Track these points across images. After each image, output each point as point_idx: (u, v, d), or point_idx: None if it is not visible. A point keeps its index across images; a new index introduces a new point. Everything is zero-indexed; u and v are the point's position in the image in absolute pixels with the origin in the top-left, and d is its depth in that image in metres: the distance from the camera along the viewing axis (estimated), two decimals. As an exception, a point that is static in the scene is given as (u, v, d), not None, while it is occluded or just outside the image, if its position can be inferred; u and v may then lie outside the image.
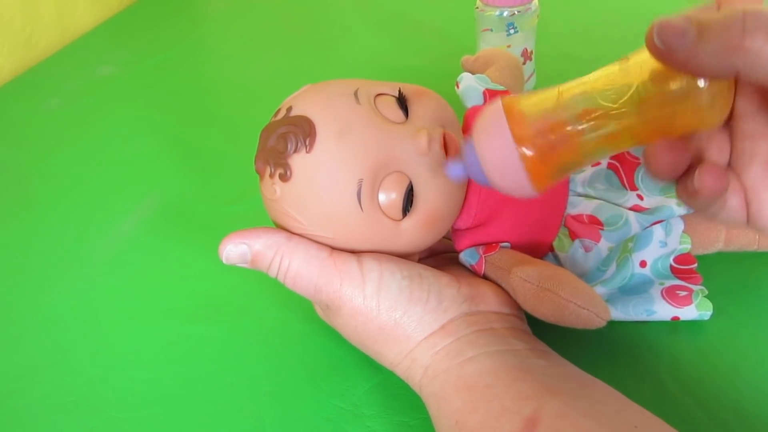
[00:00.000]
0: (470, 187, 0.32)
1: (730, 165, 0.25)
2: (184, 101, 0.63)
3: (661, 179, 0.24)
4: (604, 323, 0.28)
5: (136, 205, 0.48)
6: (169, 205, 0.48)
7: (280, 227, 0.31)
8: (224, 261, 0.30)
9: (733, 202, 0.24)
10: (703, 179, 0.23)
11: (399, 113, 0.30)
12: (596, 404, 0.25)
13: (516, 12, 0.48)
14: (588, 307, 0.28)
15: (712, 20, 0.20)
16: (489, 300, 0.30)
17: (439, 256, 0.35)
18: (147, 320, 0.39)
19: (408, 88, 0.32)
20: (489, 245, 0.32)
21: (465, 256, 0.33)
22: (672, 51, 0.21)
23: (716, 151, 0.25)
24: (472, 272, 0.33)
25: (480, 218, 0.32)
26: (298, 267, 0.29)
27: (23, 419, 0.33)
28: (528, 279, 0.29)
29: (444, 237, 0.33)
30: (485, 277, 0.32)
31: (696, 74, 0.22)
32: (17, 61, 0.72)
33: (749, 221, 0.25)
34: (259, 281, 0.39)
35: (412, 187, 0.29)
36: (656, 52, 0.21)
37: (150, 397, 0.34)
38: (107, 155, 0.55)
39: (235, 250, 0.29)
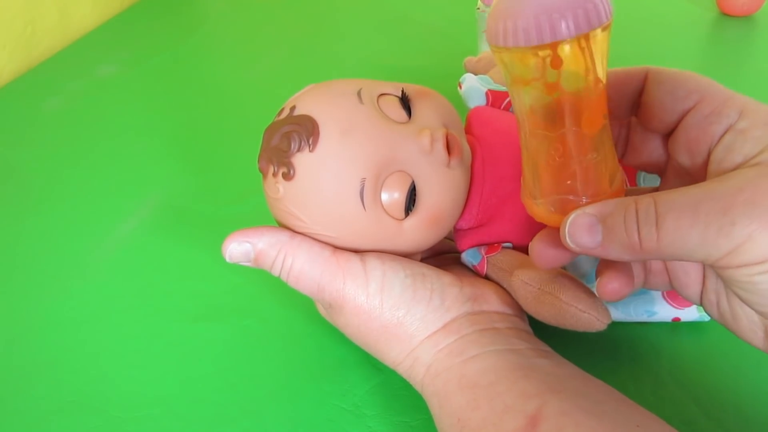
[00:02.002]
0: (473, 187, 0.32)
1: None
2: (186, 101, 0.63)
3: (543, 268, 0.27)
4: (604, 326, 0.28)
5: (138, 204, 0.48)
6: (171, 204, 0.48)
7: (284, 226, 0.31)
8: (227, 259, 0.30)
9: (659, 280, 0.28)
10: (602, 288, 0.26)
11: (402, 113, 0.31)
12: (599, 403, 0.25)
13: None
14: (588, 310, 0.28)
15: (615, 224, 0.23)
16: (491, 300, 0.31)
17: (441, 256, 0.35)
18: (148, 320, 0.39)
19: (411, 88, 0.32)
20: (491, 246, 0.32)
21: (467, 257, 0.33)
22: (586, 250, 0.24)
23: None
24: (474, 272, 0.33)
25: (482, 218, 0.32)
26: (301, 265, 0.29)
27: (23, 419, 0.33)
28: (529, 282, 0.29)
29: (446, 237, 0.34)
30: (487, 278, 0.32)
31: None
32: (19, 61, 0.72)
33: (676, 290, 0.28)
34: (261, 281, 0.39)
35: (414, 186, 0.30)
36: (571, 250, 0.24)
37: (151, 397, 0.34)
38: (108, 155, 0.55)
39: (238, 248, 0.29)
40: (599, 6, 0.22)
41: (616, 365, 0.32)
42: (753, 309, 0.23)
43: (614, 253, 0.23)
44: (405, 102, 0.31)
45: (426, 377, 0.29)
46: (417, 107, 0.31)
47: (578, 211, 0.24)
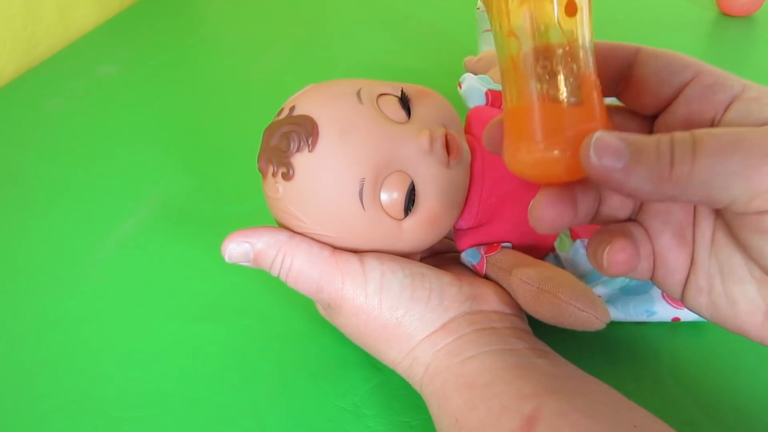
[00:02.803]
0: (472, 187, 0.32)
1: (640, 223, 0.26)
2: (186, 101, 0.63)
3: (540, 231, 0.24)
4: (603, 325, 0.28)
5: (138, 205, 0.48)
6: (171, 204, 0.48)
7: (283, 226, 0.31)
8: (227, 259, 0.30)
9: (644, 265, 0.25)
10: (612, 257, 0.24)
11: (401, 113, 0.31)
12: (596, 403, 0.25)
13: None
14: (587, 309, 0.28)
15: (645, 146, 0.21)
16: (490, 299, 0.31)
17: (441, 256, 0.35)
18: (148, 320, 0.39)
19: (410, 88, 0.32)
20: (490, 245, 0.32)
21: (466, 256, 0.33)
22: (607, 170, 0.21)
23: (618, 205, 0.26)
24: (474, 272, 0.33)
25: (481, 218, 0.32)
26: (300, 266, 0.29)
27: (23, 419, 0.33)
28: (528, 281, 0.29)
29: (445, 237, 0.34)
30: (486, 277, 0.32)
31: (628, 196, 0.23)
32: (19, 61, 0.72)
33: (654, 282, 0.26)
34: (261, 281, 0.39)
35: (414, 186, 0.30)
36: (590, 166, 0.21)
37: (151, 396, 0.34)
38: (109, 155, 0.55)
39: (237, 248, 0.30)
40: None
41: (616, 365, 0.32)
42: None
43: (637, 180, 0.21)
44: (404, 102, 0.31)
45: (425, 377, 0.29)
46: (416, 107, 0.31)
47: (605, 131, 0.21)
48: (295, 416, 0.32)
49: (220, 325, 0.38)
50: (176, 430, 0.32)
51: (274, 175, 0.30)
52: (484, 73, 0.40)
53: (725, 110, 0.23)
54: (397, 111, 0.30)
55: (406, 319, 0.29)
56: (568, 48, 0.23)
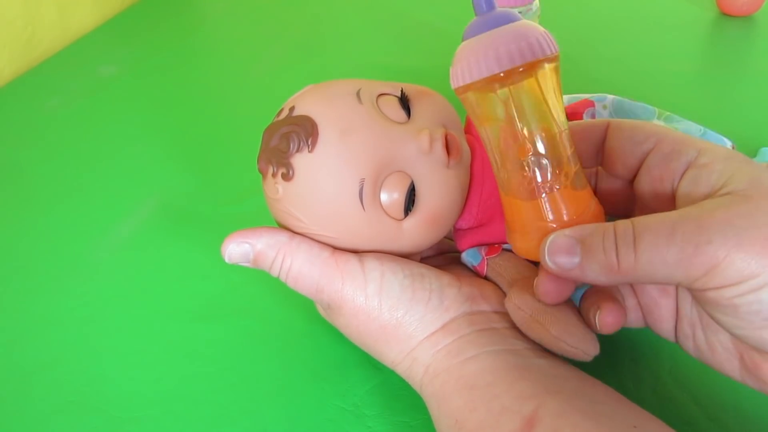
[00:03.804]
0: (472, 187, 0.32)
1: None
2: (186, 101, 0.63)
3: (550, 303, 0.28)
4: (590, 359, 0.28)
5: (138, 205, 0.49)
6: (171, 205, 0.48)
7: (283, 227, 0.31)
8: (227, 260, 0.30)
9: (632, 316, 0.29)
10: (603, 320, 0.27)
11: (401, 113, 0.31)
12: (595, 404, 0.25)
13: (517, 12, 0.48)
14: (577, 345, 0.28)
15: (593, 244, 0.24)
16: (490, 300, 0.31)
17: (441, 256, 0.35)
18: (148, 320, 0.39)
19: (410, 88, 0.32)
20: (491, 247, 0.32)
21: (467, 257, 0.33)
22: (563, 270, 0.24)
23: None
24: (473, 272, 0.33)
25: (482, 218, 0.32)
26: (299, 266, 0.29)
27: (23, 419, 0.33)
28: (521, 307, 0.29)
29: (446, 237, 0.34)
30: (487, 278, 0.32)
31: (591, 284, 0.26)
32: (18, 62, 0.72)
33: (648, 327, 0.29)
34: (261, 281, 0.39)
35: (414, 186, 0.30)
36: (549, 270, 0.25)
37: (151, 397, 0.34)
38: (108, 155, 0.55)
39: (237, 249, 0.30)
40: (541, 40, 0.25)
41: (616, 365, 0.32)
42: (732, 333, 0.24)
43: (592, 274, 0.24)
44: (404, 102, 0.31)
45: (425, 378, 0.29)
46: (416, 107, 0.31)
47: (557, 233, 0.25)
48: (295, 416, 0.32)
49: (220, 325, 0.38)
50: (176, 431, 0.32)
51: (273, 175, 0.30)
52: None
53: (681, 177, 0.25)
54: (396, 111, 0.30)
55: (406, 320, 0.29)
56: (544, 148, 0.26)
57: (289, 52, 0.70)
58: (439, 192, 0.30)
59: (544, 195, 0.26)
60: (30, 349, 0.38)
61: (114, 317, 0.39)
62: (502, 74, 0.25)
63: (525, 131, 0.25)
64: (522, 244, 0.27)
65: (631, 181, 0.28)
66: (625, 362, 0.32)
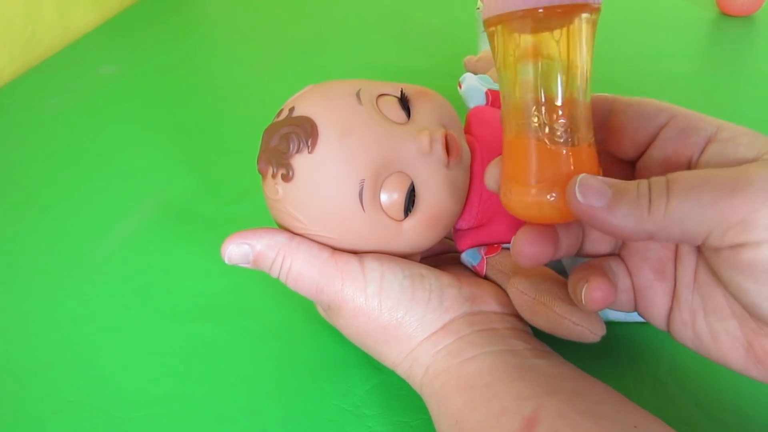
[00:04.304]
0: (472, 187, 0.32)
1: (621, 258, 0.27)
2: (186, 101, 0.63)
3: (522, 265, 0.26)
4: (598, 338, 0.28)
5: (137, 205, 0.49)
6: (171, 205, 0.48)
7: (283, 227, 0.31)
8: (226, 261, 0.30)
9: (623, 298, 0.27)
10: (590, 294, 0.26)
11: (401, 114, 0.31)
12: (596, 404, 0.25)
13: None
14: (582, 323, 0.28)
15: (626, 188, 0.22)
16: (490, 300, 0.31)
17: (441, 256, 0.35)
18: (148, 320, 0.39)
19: (410, 89, 0.32)
20: (491, 246, 0.32)
21: (467, 257, 0.33)
22: (591, 208, 0.23)
23: (600, 240, 0.28)
24: (473, 272, 0.33)
25: (481, 218, 0.32)
26: (299, 267, 0.29)
27: (23, 419, 0.33)
28: (525, 291, 0.29)
29: (445, 237, 0.34)
30: (486, 278, 0.32)
31: (613, 235, 0.24)
32: (18, 61, 0.72)
33: (639, 313, 0.28)
34: (261, 281, 0.39)
35: (414, 187, 0.30)
36: (576, 206, 0.23)
37: (151, 397, 0.34)
38: (108, 155, 0.55)
39: (237, 250, 0.30)
40: None
41: (616, 365, 0.32)
42: (751, 304, 0.22)
43: (619, 217, 0.22)
44: (404, 102, 0.31)
45: (425, 378, 0.29)
46: (416, 107, 0.31)
47: (586, 174, 0.23)
48: (295, 416, 0.32)
49: (220, 325, 0.38)
50: (176, 431, 0.32)
51: (273, 176, 0.30)
52: (484, 73, 0.40)
53: (701, 152, 0.24)
54: (396, 111, 0.30)
55: (405, 321, 0.29)
56: (567, 94, 0.24)
57: (289, 52, 0.70)
58: (439, 192, 0.30)
59: (559, 146, 0.24)
60: (30, 349, 0.38)
61: (114, 317, 0.39)
62: (541, 11, 0.22)
63: (553, 77, 0.24)
64: (524, 198, 0.24)
65: (633, 164, 0.27)
66: (625, 362, 0.32)
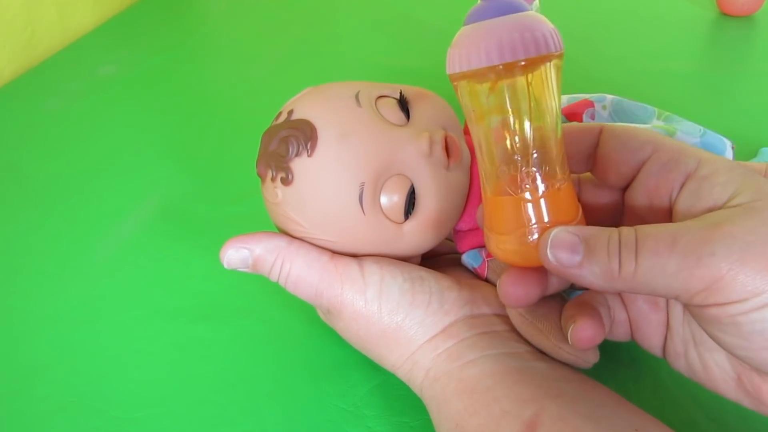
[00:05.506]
0: (472, 189, 0.32)
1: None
2: (185, 102, 0.63)
3: (509, 306, 0.27)
4: (590, 366, 0.28)
5: (137, 205, 0.49)
6: (170, 205, 0.48)
7: (283, 231, 0.31)
8: (225, 266, 0.30)
9: (620, 329, 0.28)
10: (576, 334, 0.26)
11: (400, 116, 0.30)
12: (596, 407, 0.25)
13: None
14: (576, 353, 0.28)
15: (597, 245, 0.23)
16: (490, 303, 0.30)
17: (441, 258, 0.35)
18: (148, 321, 0.39)
19: (409, 90, 0.32)
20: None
21: (468, 259, 0.33)
22: (563, 267, 0.23)
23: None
24: (474, 274, 0.33)
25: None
26: (299, 271, 0.29)
27: (23, 419, 0.33)
28: (522, 313, 0.29)
29: (446, 238, 0.33)
30: (487, 281, 0.32)
31: (585, 287, 0.25)
32: (18, 62, 0.72)
33: (637, 343, 0.29)
34: (261, 282, 0.39)
35: (414, 189, 0.30)
36: (548, 264, 0.24)
37: (151, 397, 0.34)
38: (108, 155, 0.55)
39: (236, 255, 0.29)
40: (547, 36, 0.23)
41: (616, 366, 0.32)
42: (732, 353, 0.23)
43: (591, 277, 0.23)
44: (403, 104, 0.31)
45: (425, 381, 0.29)
46: (415, 109, 0.31)
47: (560, 228, 0.23)
48: (295, 416, 0.32)
49: (220, 325, 0.38)
50: (176, 431, 0.32)
51: (273, 180, 0.30)
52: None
53: (680, 188, 0.24)
54: (396, 113, 0.30)
55: (406, 324, 0.29)
56: (537, 142, 0.24)
57: (288, 53, 0.70)
58: (439, 194, 0.30)
59: (530, 195, 0.24)
60: (30, 349, 0.38)
61: (114, 317, 0.39)
62: (501, 66, 0.23)
63: (518, 129, 0.24)
64: (503, 246, 0.25)
65: (623, 190, 0.27)
66: (625, 363, 0.32)
